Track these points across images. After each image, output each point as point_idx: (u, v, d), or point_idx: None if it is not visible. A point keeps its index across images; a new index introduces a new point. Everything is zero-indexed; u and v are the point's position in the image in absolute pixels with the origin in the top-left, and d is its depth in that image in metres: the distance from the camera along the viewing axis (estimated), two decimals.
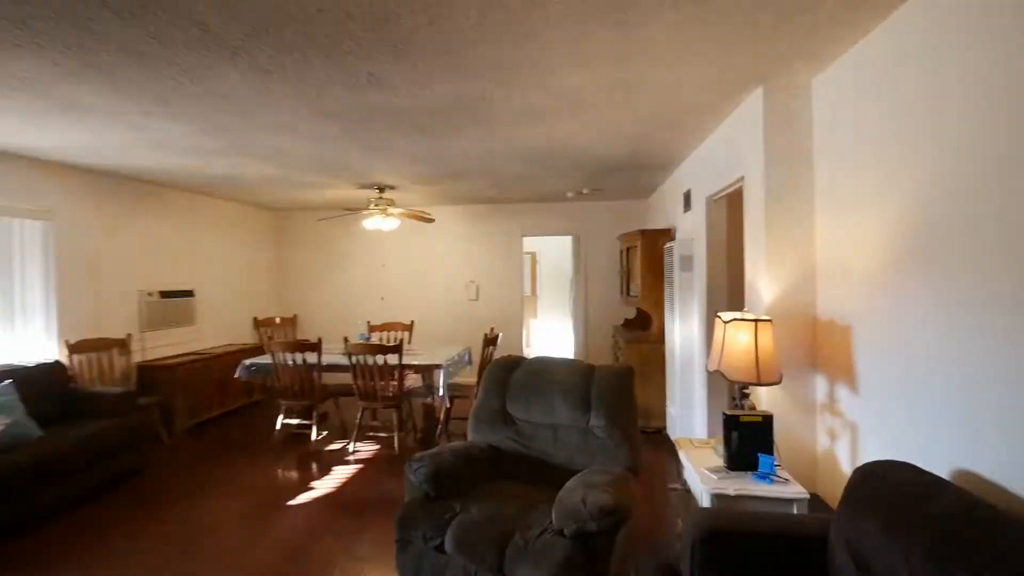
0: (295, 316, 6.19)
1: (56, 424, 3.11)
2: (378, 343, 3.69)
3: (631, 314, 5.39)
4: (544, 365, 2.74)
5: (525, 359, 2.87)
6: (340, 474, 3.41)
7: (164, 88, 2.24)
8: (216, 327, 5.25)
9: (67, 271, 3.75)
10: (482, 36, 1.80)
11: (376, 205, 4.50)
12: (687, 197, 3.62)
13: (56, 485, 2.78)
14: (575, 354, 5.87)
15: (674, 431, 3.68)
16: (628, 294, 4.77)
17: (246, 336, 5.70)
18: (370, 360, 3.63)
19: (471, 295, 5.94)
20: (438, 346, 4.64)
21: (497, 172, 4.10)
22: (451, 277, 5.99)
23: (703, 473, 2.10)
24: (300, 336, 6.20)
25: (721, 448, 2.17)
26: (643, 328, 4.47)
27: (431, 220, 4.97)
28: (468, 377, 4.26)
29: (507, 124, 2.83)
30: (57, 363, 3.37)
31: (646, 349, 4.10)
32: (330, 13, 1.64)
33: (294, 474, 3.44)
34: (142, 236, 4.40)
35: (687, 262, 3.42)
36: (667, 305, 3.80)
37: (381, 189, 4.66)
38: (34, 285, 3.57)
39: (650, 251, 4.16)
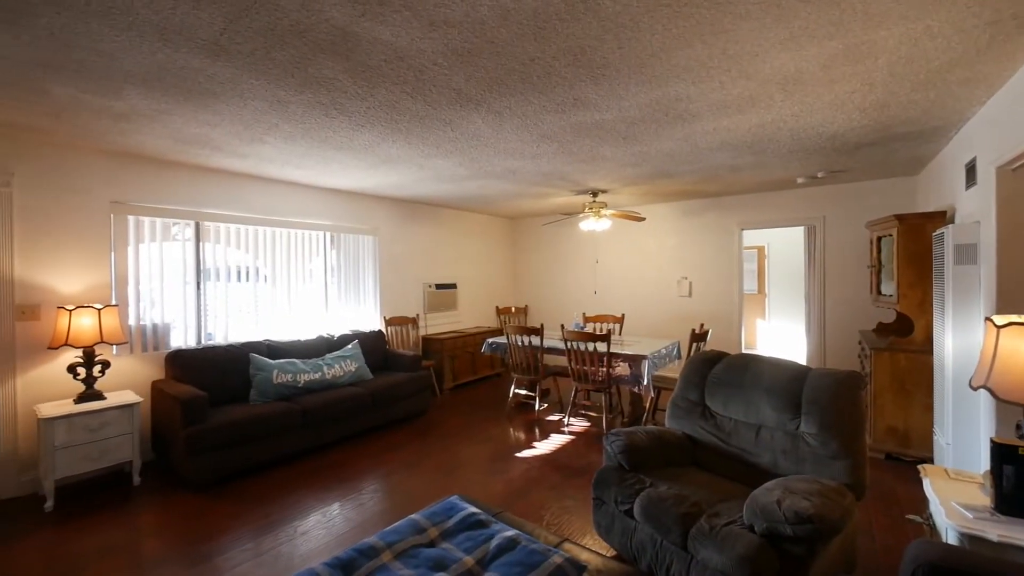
0: (526, 306, 7.23)
1: (378, 371, 4.64)
2: (589, 332, 4.11)
3: (887, 317, 4.38)
4: (747, 362, 2.66)
5: (727, 354, 2.82)
6: (555, 441, 3.99)
7: (436, 137, 3.14)
8: (471, 312, 6.65)
9: (384, 269, 5.45)
10: (669, 45, 1.96)
11: (590, 208, 4.94)
12: (970, 169, 2.80)
13: (377, 412, 4.18)
14: (808, 361, 5.08)
15: (944, 464, 2.91)
16: (879, 293, 3.91)
17: (491, 320, 6.99)
18: (582, 346, 4.09)
19: (683, 292, 5.80)
20: (647, 339, 4.79)
21: (706, 166, 3.99)
22: (663, 274, 5.98)
23: (953, 508, 1.77)
24: (531, 323, 7.21)
25: (991, 485, 1.77)
26: (902, 334, 3.62)
27: (641, 219, 5.13)
28: (676, 371, 4.27)
29: (708, 118, 2.82)
30: (380, 331, 4.97)
31: (903, 360, 3.33)
32: (540, 60, 2.09)
33: (521, 434, 4.18)
34: (425, 243, 5.97)
35: (966, 252, 2.66)
36: (936, 307, 3.01)
37: (595, 193, 5.07)
38: (368, 278, 5.33)
39: (911, 240, 3.33)
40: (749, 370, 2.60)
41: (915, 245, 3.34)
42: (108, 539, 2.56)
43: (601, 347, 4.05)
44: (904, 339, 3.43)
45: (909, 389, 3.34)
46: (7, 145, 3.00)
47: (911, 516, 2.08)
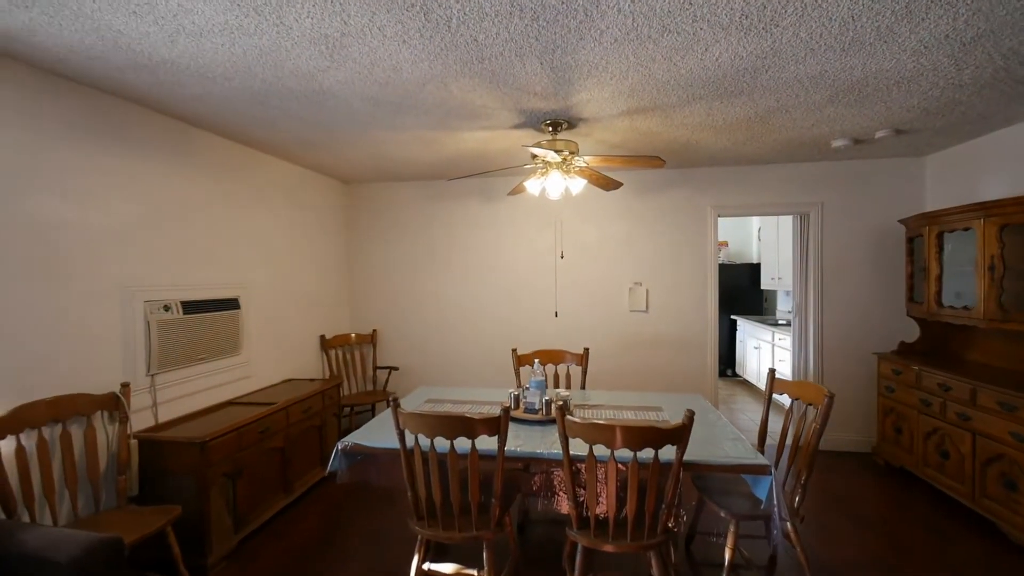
0: (374, 331, 4.28)
1: None
2: (650, 422, 1.73)
3: (910, 335, 3.43)
4: None
5: None
6: None
7: None
8: (271, 355, 3.36)
9: None
10: None
11: (558, 152, 2.54)
12: None
13: None
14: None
15: None
16: (939, 305, 2.78)
17: (312, 364, 3.81)
18: (606, 453, 1.68)
19: (637, 305, 3.95)
20: (622, 393, 2.68)
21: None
22: (608, 278, 4.00)
23: None
24: (384, 360, 4.30)
25: None
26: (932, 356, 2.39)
27: (618, 185, 3.03)
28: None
29: None
30: None
31: None
32: None
33: None
34: (155, 197, 2.52)
35: None
36: None
37: (555, 126, 2.70)
38: None
39: None
40: None
41: None
42: None
43: (667, 453, 1.73)
44: None
45: None
46: None
47: None
